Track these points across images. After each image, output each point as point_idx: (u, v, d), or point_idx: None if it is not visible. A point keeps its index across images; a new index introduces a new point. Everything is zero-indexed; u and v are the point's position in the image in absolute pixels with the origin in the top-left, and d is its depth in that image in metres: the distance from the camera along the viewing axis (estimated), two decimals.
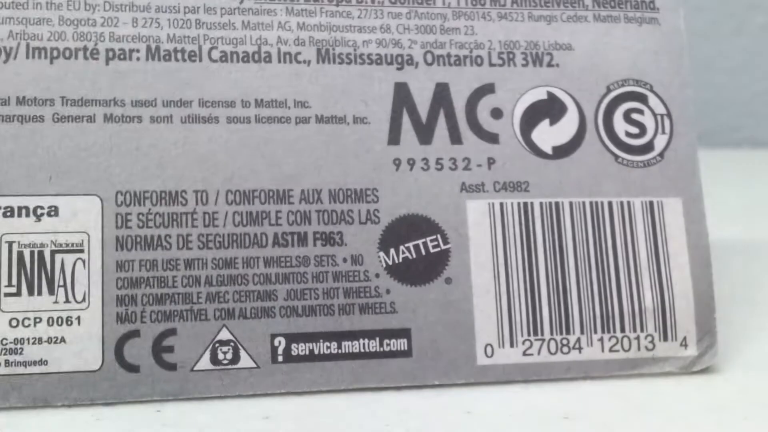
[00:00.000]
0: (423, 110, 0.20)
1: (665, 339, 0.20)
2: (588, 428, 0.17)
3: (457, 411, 0.18)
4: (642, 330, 0.20)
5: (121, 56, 0.19)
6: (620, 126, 0.20)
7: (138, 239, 0.18)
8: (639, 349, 0.20)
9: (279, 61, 0.19)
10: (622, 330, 0.20)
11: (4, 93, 0.18)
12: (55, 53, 0.18)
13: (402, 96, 0.20)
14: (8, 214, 0.18)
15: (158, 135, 0.18)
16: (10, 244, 0.17)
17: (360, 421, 0.17)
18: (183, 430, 0.17)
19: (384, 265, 0.19)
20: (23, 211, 0.18)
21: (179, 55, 0.19)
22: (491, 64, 0.20)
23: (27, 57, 0.18)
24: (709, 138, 0.68)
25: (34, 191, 0.18)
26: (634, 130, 0.20)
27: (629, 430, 0.17)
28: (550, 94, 0.20)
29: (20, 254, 0.18)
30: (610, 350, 0.19)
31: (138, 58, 0.19)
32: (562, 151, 0.20)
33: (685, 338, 0.20)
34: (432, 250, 0.19)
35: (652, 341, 0.20)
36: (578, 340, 0.19)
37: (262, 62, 0.19)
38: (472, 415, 0.18)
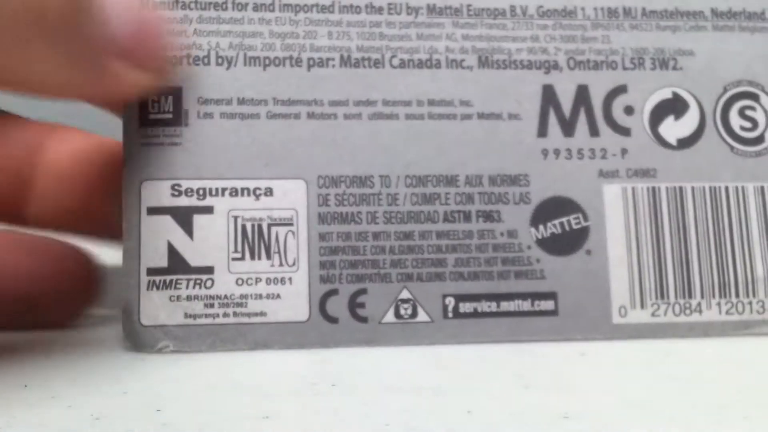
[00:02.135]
0: (566, 108, 0.23)
1: None
2: (588, 428, 0.18)
3: (458, 410, 0.18)
4: (754, 296, 0.23)
5: (320, 64, 0.22)
6: (735, 121, 0.24)
7: (335, 215, 0.22)
8: (752, 312, 0.23)
9: (447, 67, 0.23)
10: (737, 296, 0.23)
11: (228, 94, 0.22)
12: (266, 61, 0.22)
13: (549, 96, 0.23)
14: (233, 194, 0.22)
15: (350, 129, 0.22)
16: (236, 218, 0.22)
17: (360, 420, 0.18)
18: (183, 429, 0.17)
19: (534, 239, 0.23)
20: (245, 192, 0.22)
21: (366, 63, 0.23)
22: (624, 68, 0.23)
23: (244, 65, 0.22)
24: None
25: (253, 175, 0.22)
26: (748, 124, 0.24)
27: (629, 430, 0.17)
28: (674, 93, 0.24)
29: (243, 227, 0.22)
30: (727, 313, 0.23)
31: (333, 65, 0.22)
32: (685, 143, 0.23)
33: None
34: (575, 227, 0.23)
35: (763, 306, 0.23)
36: (699, 303, 0.23)
37: (433, 68, 0.23)
38: (472, 414, 0.18)
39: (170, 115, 0.22)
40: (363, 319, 0.22)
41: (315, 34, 0.23)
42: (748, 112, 0.24)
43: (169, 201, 0.21)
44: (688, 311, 0.23)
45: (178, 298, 0.21)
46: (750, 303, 0.23)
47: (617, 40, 0.24)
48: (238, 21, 0.22)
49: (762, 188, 0.23)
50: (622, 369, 0.21)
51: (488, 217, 0.23)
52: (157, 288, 0.21)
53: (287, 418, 0.18)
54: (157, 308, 0.21)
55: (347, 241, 0.22)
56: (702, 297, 0.23)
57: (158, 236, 0.21)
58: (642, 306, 0.23)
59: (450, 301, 0.22)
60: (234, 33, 0.22)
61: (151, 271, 0.21)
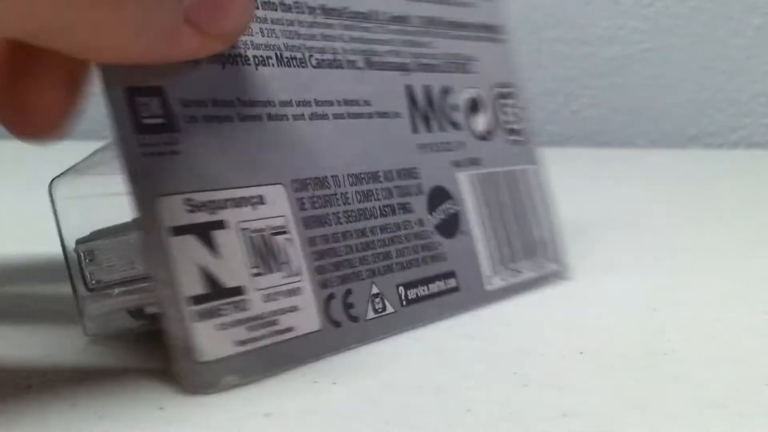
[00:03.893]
0: (422, 106, 0.26)
1: (546, 260, 0.29)
2: (587, 426, 0.18)
3: (457, 409, 0.18)
4: (545, 255, 0.29)
5: (263, 62, 0.21)
6: (503, 117, 0.29)
7: (314, 218, 0.21)
8: (544, 268, 0.29)
9: (347, 67, 0.23)
10: (537, 256, 0.29)
11: (203, 95, 0.19)
12: (222, 59, 0.20)
13: (410, 95, 0.25)
14: (235, 204, 0.19)
15: (300, 130, 0.22)
16: (244, 230, 0.19)
17: (360, 419, 0.18)
18: (185, 428, 0.18)
19: (433, 225, 0.25)
20: (242, 201, 0.19)
21: (294, 62, 0.22)
22: (447, 71, 0.27)
23: (208, 62, 0.20)
24: (707, 138, 0.70)
25: (244, 183, 0.20)
26: (510, 118, 0.29)
27: (628, 428, 0.18)
28: (476, 93, 0.28)
29: (251, 239, 0.19)
30: (533, 270, 0.28)
31: (272, 64, 0.21)
32: (488, 136, 0.28)
33: (555, 258, 0.30)
34: (452, 212, 0.26)
35: (550, 261, 0.29)
36: (520, 266, 0.28)
37: (338, 68, 0.23)
38: (471, 412, 0.18)
39: (162, 120, 0.18)
40: (355, 319, 0.21)
41: (251, 31, 0.21)
42: (508, 109, 0.29)
43: (187, 218, 0.18)
44: (517, 274, 0.27)
45: (223, 325, 0.18)
46: (544, 261, 0.29)
47: (439, 45, 0.27)
48: None
49: (535, 170, 0.29)
50: (619, 368, 0.21)
51: (404, 208, 0.24)
52: (203, 318, 0.18)
53: (288, 417, 0.18)
54: (210, 340, 0.18)
55: (327, 243, 0.21)
56: (521, 260, 0.28)
57: (187, 259, 0.18)
58: (496, 273, 0.27)
59: (401, 290, 0.23)
60: None
61: (193, 300, 0.18)
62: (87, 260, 0.21)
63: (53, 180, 0.22)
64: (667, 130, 0.72)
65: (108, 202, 0.22)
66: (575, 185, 0.54)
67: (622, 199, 0.49)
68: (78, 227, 0.22)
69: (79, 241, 0.22)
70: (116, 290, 0.21)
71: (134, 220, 0.18)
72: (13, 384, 0.19)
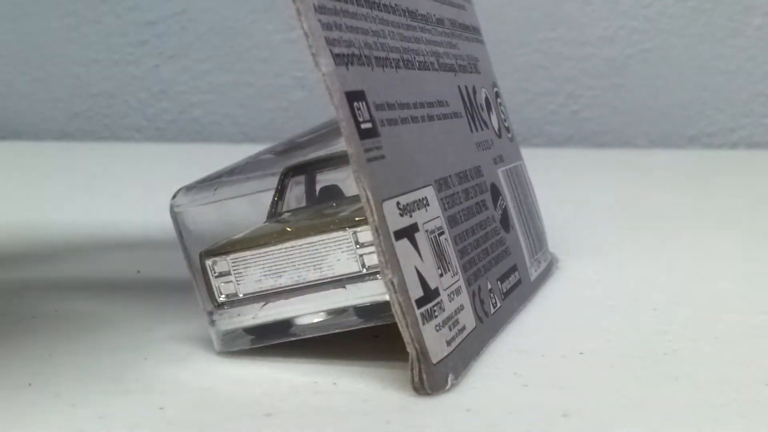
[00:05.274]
0: (468, 104, 0.26)
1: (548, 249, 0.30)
2: (587, 426, 0.18)
3: (457, 409, 0.18)
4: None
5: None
6: (500, 115, 0.29)
7: (451, 218, 0.22)
8: (546, 260, 0.29)
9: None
10: (543, 246, 0.29)
11: (392, 98, 0.20)
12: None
13: (462, 94, 0.26)
14: (419, 206, 0.20)
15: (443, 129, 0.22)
16: (427, 232, 0.20)
17: (360, 418, 0.18)
18: (184, 428, 0.18)
19: (498, 221, 0.25)
20: (423, 202, 0.20)
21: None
22: (470, 72, 0.27)
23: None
24: (707, 139, 0.69)
25: (417, 185, 0.20)
26: (503, 116, 0.29)
27: (628, 428, 0.18)
28: (485, 92, 0.28)
29: (431, 239, 0.20)
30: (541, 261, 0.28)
31: None
32: (500, 133, 0.29)
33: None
34: (504, 207, 0.26)
35: (546, 253, 0.29)
36: (544, 251, 0.28)
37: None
38: (471, 412, 0.18)
39: (370, 125, 0.19)
40: (486, 315, 0.22)
41: (383, 32, 0.22)
42: (502, 107, 0.30)
43: (400, 222, 0.19)
44: (540, 264, 0.28)
45: (437, 326, 0.19)
46: (544, 252, 0.29)
47: (461, 47, 0.27)
48: None
49: (524, 165, 0.30)
50: (619, 368, 0.21)
51: (484, 206, 0.24)
52: (426, 320, 0.19)
53: (288, 417, 0.18)
54: (434, 342, 0.19)
55: (463, 241, 0.22)
56: (539, 250, 0.28)
57: (407, 262, 0.19)
58: (532, 265, 0.27)
59: (499, 284, 0.24)
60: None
61: (417, 303, 0.19)
62: (218, 273, 0.21)
63: (176, 192, 0.22)
64: (667, 130, 0.73)
65: (229, 209, 0.22)
66: (575, 185, 0.55)
67: (622, 200, 0.49)
68: (201, 238, 0.22)
69: (208, 253, 0.22)
70: (260, 304, 0.21)
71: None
72: (13, 384, 0.19)
